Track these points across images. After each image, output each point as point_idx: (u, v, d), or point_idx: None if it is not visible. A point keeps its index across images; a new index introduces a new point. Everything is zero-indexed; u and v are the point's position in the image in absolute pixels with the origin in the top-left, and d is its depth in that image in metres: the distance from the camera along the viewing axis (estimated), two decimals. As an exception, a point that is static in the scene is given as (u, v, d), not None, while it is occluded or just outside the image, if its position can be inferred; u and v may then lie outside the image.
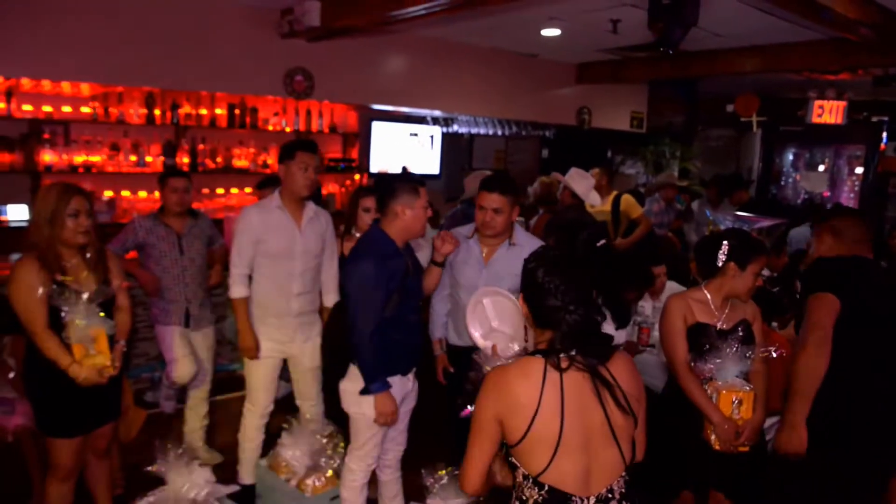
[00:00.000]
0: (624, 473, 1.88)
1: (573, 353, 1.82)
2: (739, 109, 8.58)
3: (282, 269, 3.43)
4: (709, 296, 2.86)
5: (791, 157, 10.84)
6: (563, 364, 1.80)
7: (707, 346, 2.73)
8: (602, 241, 2.84)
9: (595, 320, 1.88)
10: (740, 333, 2.76)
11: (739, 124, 9.31)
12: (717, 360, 2.71)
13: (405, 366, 3.04)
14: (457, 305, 3.35)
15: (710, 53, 6.74)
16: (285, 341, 3.53)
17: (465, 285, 3.29)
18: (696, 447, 2.81)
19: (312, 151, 3.42)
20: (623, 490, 1.87)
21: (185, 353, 3.84)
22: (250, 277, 3.49)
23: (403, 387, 3.03)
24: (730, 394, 2.72)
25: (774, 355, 2.75)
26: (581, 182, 5.16)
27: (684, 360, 2.79)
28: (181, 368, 3.82)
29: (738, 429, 2.71)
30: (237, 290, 3.45)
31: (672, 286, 4.52)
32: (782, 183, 10.94)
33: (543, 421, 1.77)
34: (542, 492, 1.81)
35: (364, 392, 2.86)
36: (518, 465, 1.86)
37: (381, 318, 2.82)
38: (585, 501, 1.81)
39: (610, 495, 1.84)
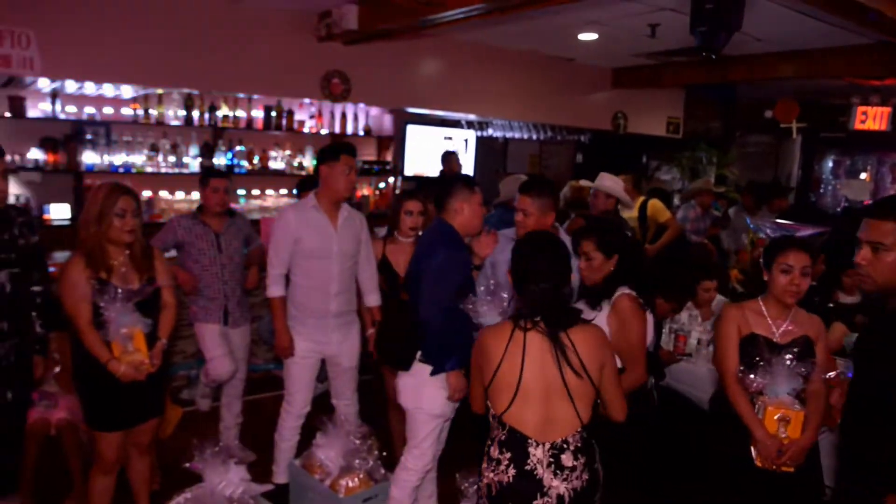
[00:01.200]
0: (580, 430, 2.18)
1: (538, 318, 2.18)
2: (779, 115, 8.41)
3: (320, 269, 3.46)
4: (763, 306, 2.78)
5: (831, 164, 10.62)
6: (528, 326, 2.18)
7: (757, 359, 2.64)
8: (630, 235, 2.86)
9: (563, 294, 2.23)
10: (796, 349, 2.63)
11: (778, 130, 9.13)
12: (767, 375, 2.61)
13: (458, 362, 3.06)
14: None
15: (749, 58, 6.64)
16: (324, 341, 3.55)
17: (507, 284, 3.27)
18: (738, 461, 2.72)
19: (354, 154, 3.48)
20: (579, 444, 2.18)
21: (225, 352, 3.88)
22: (287, 278, 3.52)
23: None
24: (776, 410, 2.62)
25: (832, 375, 2.63)
26: (612, 185, 5.08)
27: (733, 371, 2.72)
28: (220, 366, 3.86)
29: (781, 447, 2.61)
30: (274, 290, 3.48)
31: (721, 300, 4.44)
32: (821, 191, 10.72)
33: (507, 369, 2.18)
34: (504, 431, 2.20)
35: (436, 372, 2.94)
36: (490, 406, 2.25)
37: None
38: (541, 446, 2.15)
39: (565, 445, 2.16)
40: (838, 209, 10.30)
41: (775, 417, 2.62)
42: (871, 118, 7.92)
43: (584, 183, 5.53)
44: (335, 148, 3.46)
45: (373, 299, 3.69)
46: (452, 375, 2.95)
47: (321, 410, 3.65)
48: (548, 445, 2.15)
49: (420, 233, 3.67)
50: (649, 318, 2.84)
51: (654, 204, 6.13)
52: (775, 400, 2.64)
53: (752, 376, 2.63)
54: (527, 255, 2.25)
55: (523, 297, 2.22)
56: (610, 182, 5.01)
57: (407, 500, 3.11)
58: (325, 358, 3.64)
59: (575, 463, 2.16)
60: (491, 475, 2.22)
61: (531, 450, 2.15)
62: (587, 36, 6.22)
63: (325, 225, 3.46)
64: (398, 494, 3.10)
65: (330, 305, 3.50)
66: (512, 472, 2.17)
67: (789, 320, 2.74)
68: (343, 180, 3.42)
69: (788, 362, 2.58)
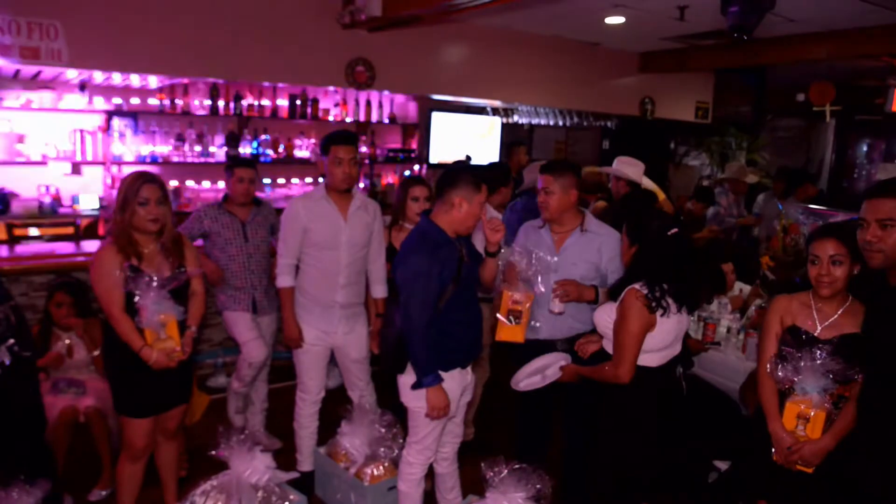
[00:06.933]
0: None
1: None
2: (814, 98, 8.15)
3: (328, 259, 3.43)
4: (812, 298, 2.60)
5: (866, 147, 10.35)
6: None
7: (787, 353, 2.50)
8: (674, 230, 2.71)
9: None
10: (832, 346, 2.43)
11: (810, 114, 8.90)
12: (794, 368, 2.46)
13: (464, 359, 2.97)
14: None
15: (781, 40, 6.47)
16: (330, 331, 3.52)
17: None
18: (758, 451, 2.65)
19: (347, 143, 3.37)
20: None
21: (257, 335, 3.89)
22: (297, 268, 3.51)
23: (462, 380, 2.97)
24: (796, 406, 2.49)
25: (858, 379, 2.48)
26: (632, 168, 4.98)
27: (765, 362, 2.60)
28: (255, 349, 3.85)
29: (792, 444, 2.49)
30: (284, 280, 3.46)
31: (742, 286, 4.36)
32: (855, 175, 10.46)
33: None
34: None
35: (416, 386, 2.80)
36: None
37: (436, 311, 2.75)
38: None
39: None
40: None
41: (795, 414, 2.50)
42: (908, 100, 7.70)
43: (603, 169, 5.42)
44: (326, 140, 3.39)
45: (379, 290, 3.64)
46: (431, 392, 2.78)
47: (346, 399, 3.64)
48: None
49: None
50: (663, 321, 2.64)
51: None
52: (800, 397, 2.49)
53: (781, 369, 2.49)
54: None
55: None
56: (627, 168, 4.91)
57: (415, 493, 3.04)
58: (333, 349, 3.61)
59: None
60: None
61: None
62: (614, 20, 6.11)
63: (335, 215, 3.41)
64: (405, 488, 3.03)
65: (337, 296, 3.47)
66: None
67: (840, 314, 2.54)
68: (336, 172, 3.34)
69: (819, 359, 2.39)
